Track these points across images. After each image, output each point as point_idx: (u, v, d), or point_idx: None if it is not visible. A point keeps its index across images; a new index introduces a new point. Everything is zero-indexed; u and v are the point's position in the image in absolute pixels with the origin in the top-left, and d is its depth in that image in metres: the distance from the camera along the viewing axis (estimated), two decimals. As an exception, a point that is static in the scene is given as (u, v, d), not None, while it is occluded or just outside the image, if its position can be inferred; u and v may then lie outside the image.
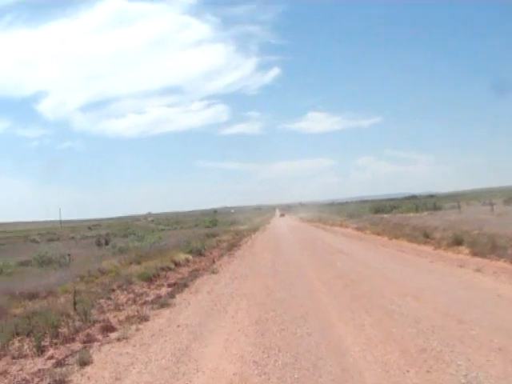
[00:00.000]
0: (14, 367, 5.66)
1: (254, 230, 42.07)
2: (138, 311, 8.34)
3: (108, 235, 37.97)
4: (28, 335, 6.73)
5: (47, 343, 6.50)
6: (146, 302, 9.23)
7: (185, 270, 14.29)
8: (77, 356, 5.80)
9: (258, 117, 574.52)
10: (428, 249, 15.52)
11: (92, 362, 5.61)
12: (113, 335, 6.87)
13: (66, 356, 5.95)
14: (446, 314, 6.61)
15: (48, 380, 5.11)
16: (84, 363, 5.55)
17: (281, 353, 5.41)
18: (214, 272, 13.54)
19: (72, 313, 7.90)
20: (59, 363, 5.68)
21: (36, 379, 5.22)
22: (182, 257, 16.33)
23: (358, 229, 30.78)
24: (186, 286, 11.08)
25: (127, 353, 5.95)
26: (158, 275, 12.76)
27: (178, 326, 7.22)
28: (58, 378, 5.08)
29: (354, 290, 8.99)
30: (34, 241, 42.11)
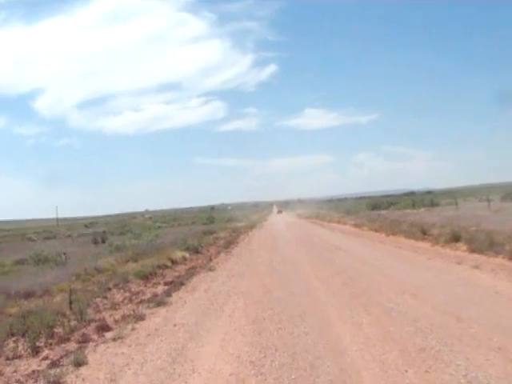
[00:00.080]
0: (8, 368, 5.59)
1: (251, 227, 42.03)
2: (134, 310, 8.27)
3: (105, 233, 37.81)
4: (23, 335, 6.67)
5: (42, 343, 6.43)
6: (142, 301, 9.17)
7: (182, 268, 14.23)
8: (72, 357, 5.73)
9: (255, 113, 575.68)
10: (426, 245, 15.51)
11: (87, 363, 5.54)
12: (108, 335, 6.80)
13: (61, 357, 5.88)
14: (445, 312, 6.57)
15: (42, 381, 5.05)
16: (79, 364, 5.48)
17: (278, 352, 5.36)
18: (210, 270, 13.48)
19: (68, 312, 7.84)
20: (54, 364, 5.62)
21: (30, 381, 5.15)
22: (178, 254, 16.28)
23: (355, 225, 30.78)
24: (182, 284, 11.01)
25: (122, 353, 5.88)
26: (155, 273, 12.71)
27: (175, 325, 7.16)
28: (52, 380, 5.01)
29: (352, 288, 8.95)
30: (30, 239, 41.89)
